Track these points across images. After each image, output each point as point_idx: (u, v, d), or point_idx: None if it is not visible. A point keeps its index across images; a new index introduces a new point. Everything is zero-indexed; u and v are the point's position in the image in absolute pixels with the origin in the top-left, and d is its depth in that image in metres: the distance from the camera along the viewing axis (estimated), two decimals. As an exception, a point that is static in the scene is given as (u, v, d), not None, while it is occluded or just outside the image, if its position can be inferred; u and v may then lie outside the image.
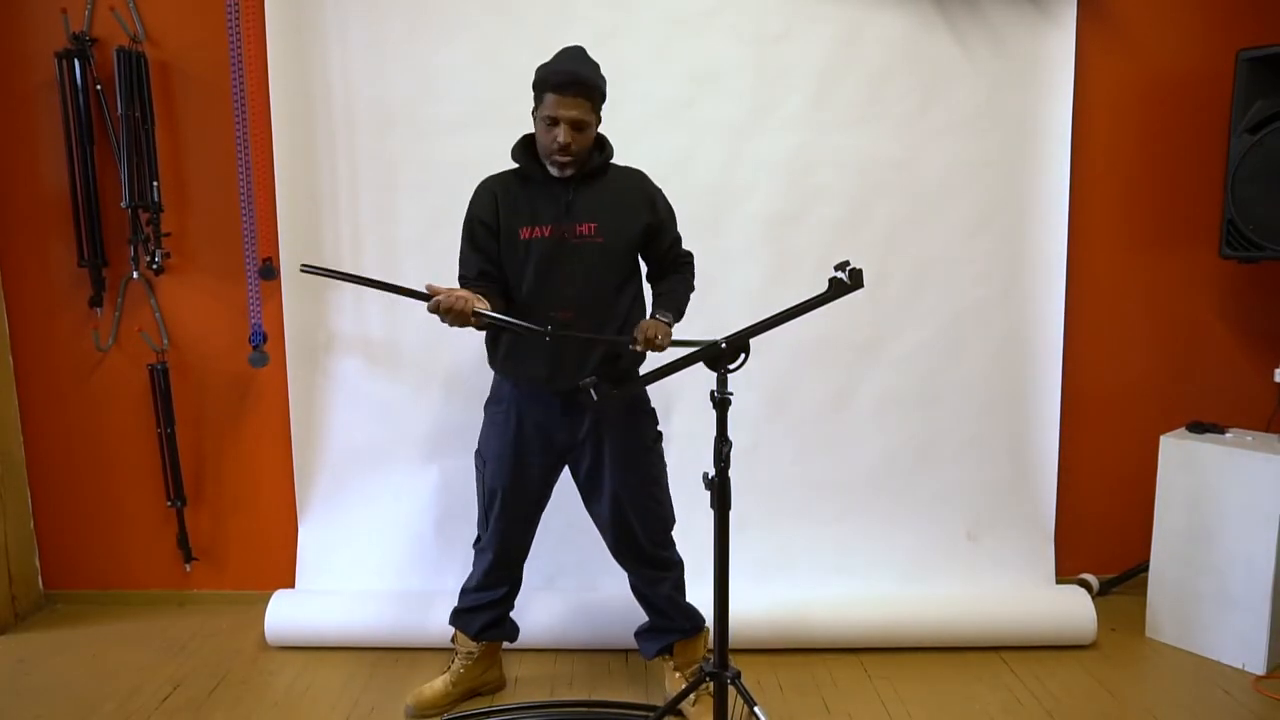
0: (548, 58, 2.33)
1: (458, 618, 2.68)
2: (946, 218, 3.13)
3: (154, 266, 3.09)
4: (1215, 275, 3.24)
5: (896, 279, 3.14)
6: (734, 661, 2.26)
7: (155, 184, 3.05)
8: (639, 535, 2.49)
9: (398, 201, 3.10)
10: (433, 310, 2.17)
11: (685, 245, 2.56)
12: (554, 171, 2.33)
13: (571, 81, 2.25)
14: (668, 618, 2.60)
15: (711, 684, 2.27)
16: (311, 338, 3.17)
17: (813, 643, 2.94)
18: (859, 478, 3.21)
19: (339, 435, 3.21)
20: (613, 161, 2.43)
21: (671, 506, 2.56)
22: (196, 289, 3.19)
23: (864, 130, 3.08)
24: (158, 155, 3.06)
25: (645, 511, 2.49)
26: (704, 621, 2.63)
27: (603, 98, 2.34)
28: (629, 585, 2.61)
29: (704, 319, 3.07)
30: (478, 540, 2.62)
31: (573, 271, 2.34)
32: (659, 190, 2.47)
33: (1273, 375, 3.06)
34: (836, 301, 2.01)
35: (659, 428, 2.55)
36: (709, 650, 2.62)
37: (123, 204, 3.02)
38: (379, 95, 3.05)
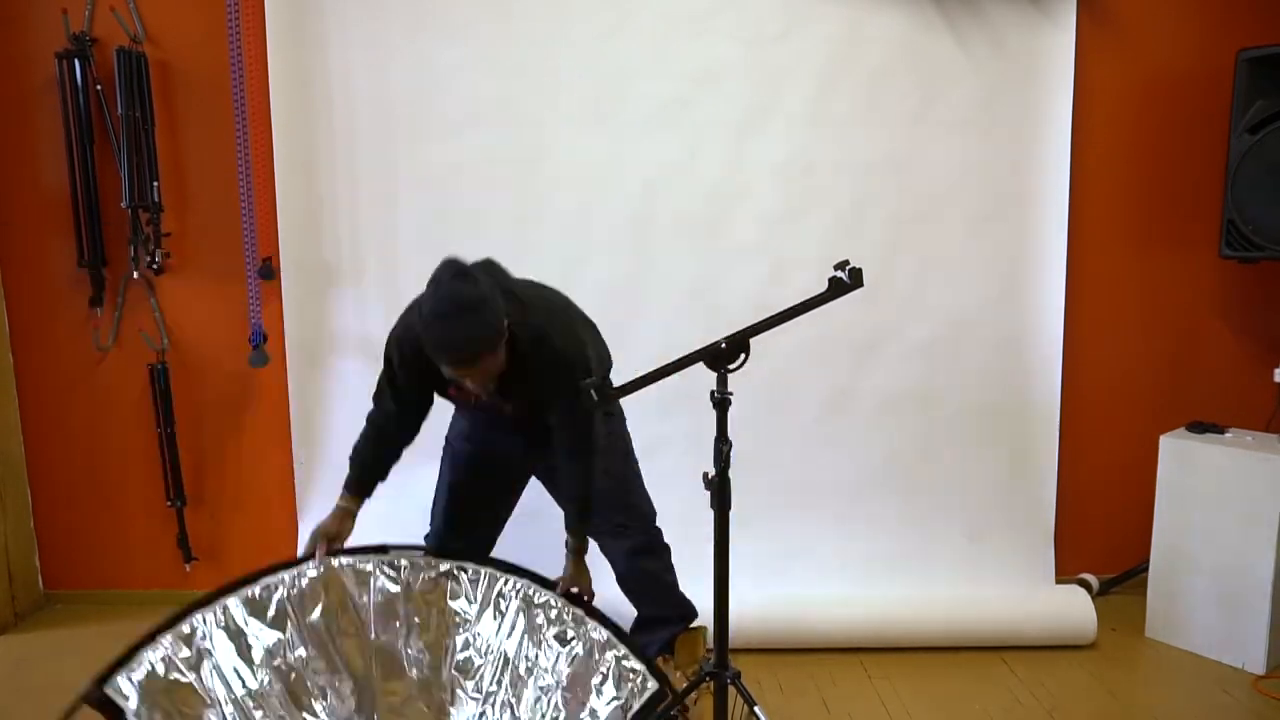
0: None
1: None
2: (946, 218, 3.13)
3: (154, 266, 3.09)
4: (1215, 275, 3.24)
5: (896, 279, 3.14)
6: (734, 661, 2.26)
7: (155, 184, 3.05)
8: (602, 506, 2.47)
9: (398, 201, 3.10)
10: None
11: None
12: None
13: (462, 360, 2.05)
14: (654, 603, 2.59)
15: (711, 684, 2.27)
16: (311, 338, 3.17)
17: (813, 643, 2.94)
18: (859, 478, 3.21)
19: (339, 435, 3.19)
20: (534, 328, 2.20)
21: (647, 494, 2.57)
22: (196, 289, 3.19)
23: (864, 130, 3.08)
24: (158, 155, 3.06)
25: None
26: (695, 611, 2.62)
27: (502, 333, 2.08)
28: (615, 580, 2.60)
29: (704, 319, 3.08)
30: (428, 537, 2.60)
31: (505, 421, 2.39)
32: (565, 370, 2.24)
33: (1273, 375, 3.06)
34: (836, 301, 2.01)
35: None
36: (709, 650, 2.62)
37: (123, 204, 3.02)
38: (379, 95, 3.05)
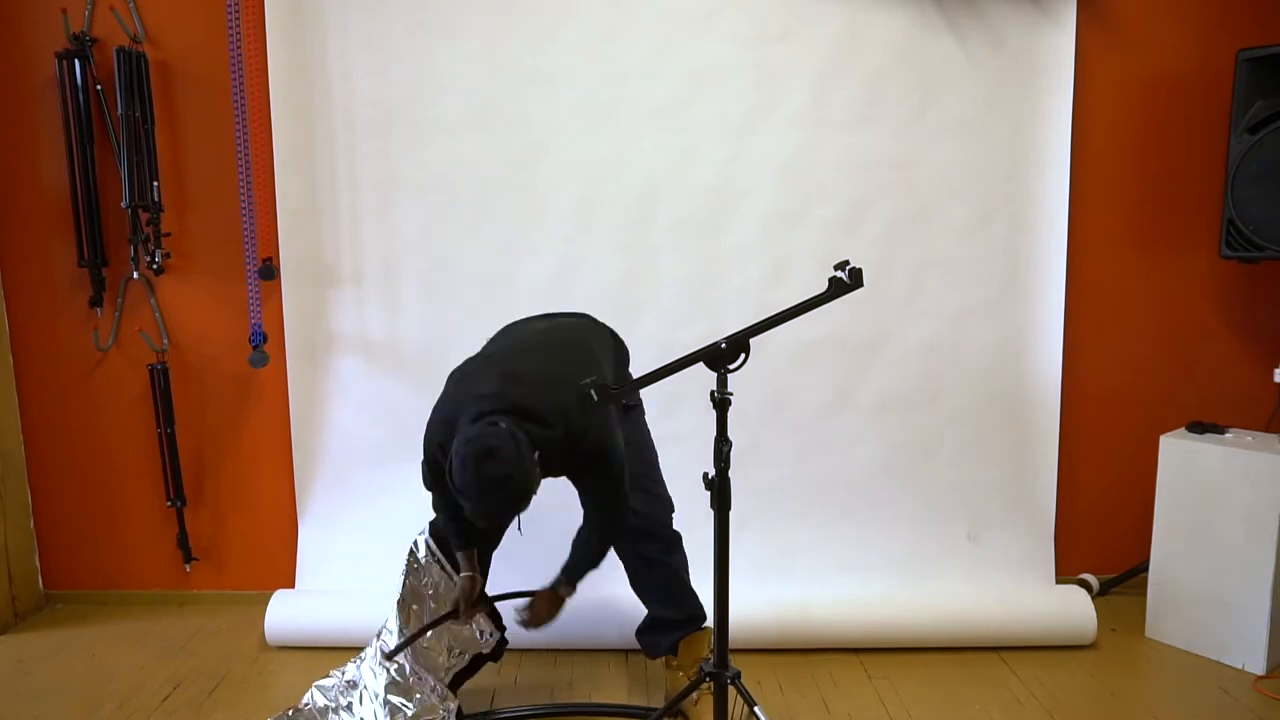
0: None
1: None
2: (946, 218, 3.13)
3: (154, 266, 3.09)
4: (1215, 275, 3.24)
5: (896, 279, 3.14)
6: (734, 661, 2.26)
7: (155, 184, 3.05)
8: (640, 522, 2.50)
9: (398, 201, 3.10)
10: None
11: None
12: None
13: (500, 522, 2.29)
14: (664, 603, 2.59)
15: (711, 684, 2.27)
16: (311, 338, 3.17)
17: (813, 643, 2.94)
18: (859, 478, 3.21)
19: (339, 435, 3.21)
20: (563, 440, 2.17)
21: (665, 488, 2.57)
22: (196, 289, 3.19)
23: (864, 130, 3.08)
24: (158, 155, 3.06)
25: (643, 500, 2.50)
26: (705, 614, 2.62)
27: (534, 486, 2.09)
28: (628, 580, 2.60)
29: (704, 319, 3.08)
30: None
31: None
32: (597, 461, 2.27)
33: (1273, 375, 3.06)
34: (836, 301, 2.01)
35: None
36: (710, 650, 2.62)
37: (123, 204, 3.02)
38: (379, 95, 3.05)
